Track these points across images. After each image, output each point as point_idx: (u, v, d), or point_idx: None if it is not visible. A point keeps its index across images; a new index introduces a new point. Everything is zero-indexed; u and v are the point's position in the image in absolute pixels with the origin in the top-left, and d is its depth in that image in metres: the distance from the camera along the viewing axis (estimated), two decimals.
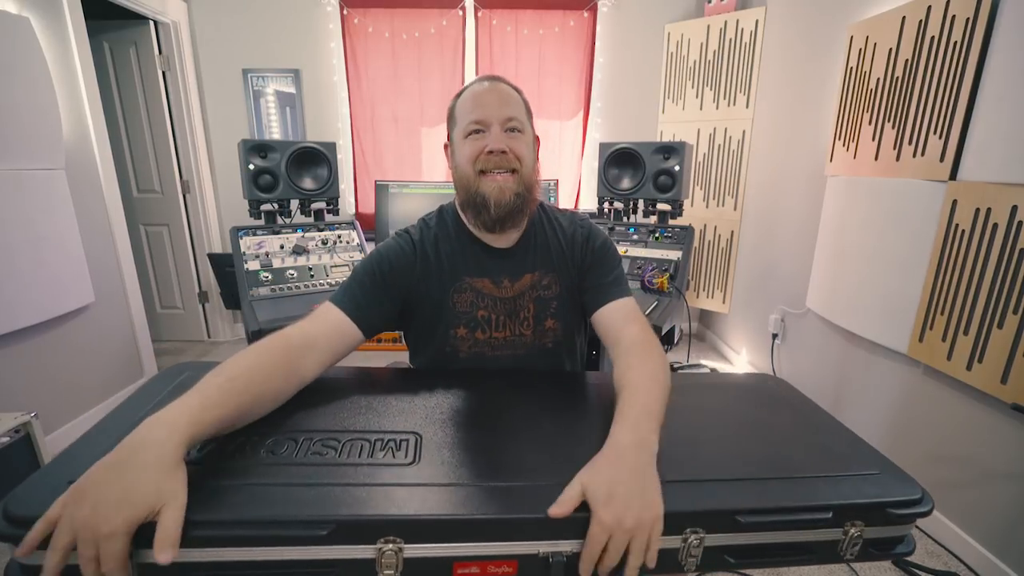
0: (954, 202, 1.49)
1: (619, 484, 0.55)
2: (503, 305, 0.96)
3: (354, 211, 3.27)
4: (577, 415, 0.81)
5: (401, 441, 0.67)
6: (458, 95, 0.96)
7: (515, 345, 0.98)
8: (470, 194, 0.91)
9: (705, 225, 3.07)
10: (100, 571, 0.46)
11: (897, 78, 1.71)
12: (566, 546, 0.55)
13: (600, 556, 0.53)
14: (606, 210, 2.46)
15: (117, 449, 0.51)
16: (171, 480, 0.50)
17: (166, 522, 0.47)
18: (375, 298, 0.90)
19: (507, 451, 0.67)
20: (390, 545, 0.52)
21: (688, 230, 2.15)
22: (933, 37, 1.56)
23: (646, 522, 0.53)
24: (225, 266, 2.90)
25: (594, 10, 3.03)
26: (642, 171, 2.26)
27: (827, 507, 0.59)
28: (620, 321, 0.91)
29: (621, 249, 2.12)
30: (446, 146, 0.99)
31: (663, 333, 1.70)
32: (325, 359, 0.81)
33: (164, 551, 0.46)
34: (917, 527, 0.66)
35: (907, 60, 1.66)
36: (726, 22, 2.76)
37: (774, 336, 2.55)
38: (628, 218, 2.41)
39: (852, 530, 0.59)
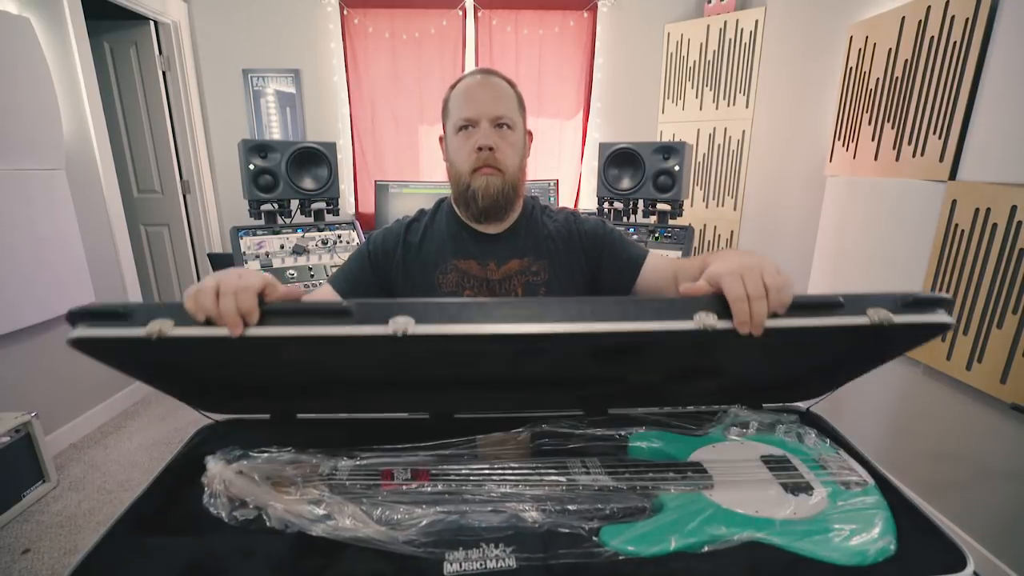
0: (954, 202, 1.49)
1: (739, 254, 0.60)
2: (488, 286, 0.99)
3: (354, 211, 3.27)
4: None
5: None
6: (452, 87, 0.97)
7: None
8: (461, 189, 0.96)
9: (705, 225, 3.07)
10: (238, 312, 0.53)
11: (897, 78, 1.71)
12: None
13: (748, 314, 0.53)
14: (606, 210, 2.46)
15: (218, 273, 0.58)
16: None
17: (276, 284, 0.58)
18: (362, 277, 0.99)
19: None
20: None
21: (688, 230, 2.15)
22: (933, 37, 1.56)
23: (767, 260, 0.56)
24: (225, 266, 2.91)
25: (594, 10, 3.03)
26: (642, 171, 2.26)
27: None
28: (669, 267, 0.95)
29: None
30: (441, 139, 1.02)
31: None
32: None
33: (291, 288, 0.59)
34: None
35: (907, 60, 1.66)
36: (726, 22, 2.76)
37: None
38: (628, 218, 2.41)
39: None
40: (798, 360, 0.78)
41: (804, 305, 0.58)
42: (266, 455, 0.70)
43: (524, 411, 0.87)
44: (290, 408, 0.84)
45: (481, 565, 0.54)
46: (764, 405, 0.90)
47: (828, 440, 0.79)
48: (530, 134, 1.02)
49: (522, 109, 0.98)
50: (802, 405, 0.95)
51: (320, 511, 0.60)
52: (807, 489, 0.66)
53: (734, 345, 0.59)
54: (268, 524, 0.60)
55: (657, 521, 0.60)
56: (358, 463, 0.69)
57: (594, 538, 0.58)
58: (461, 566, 0.54)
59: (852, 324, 0.58)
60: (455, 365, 0.69)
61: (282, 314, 0.56)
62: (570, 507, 0.62)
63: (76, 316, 0.54)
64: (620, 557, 0.56)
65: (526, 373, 0.71)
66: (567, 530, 0.59)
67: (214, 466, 0.66)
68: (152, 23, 2.79)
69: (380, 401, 0.83)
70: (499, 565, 0.54)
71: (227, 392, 0.78)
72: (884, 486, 0.69)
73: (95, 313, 0.54)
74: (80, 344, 0.54)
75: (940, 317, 0.59)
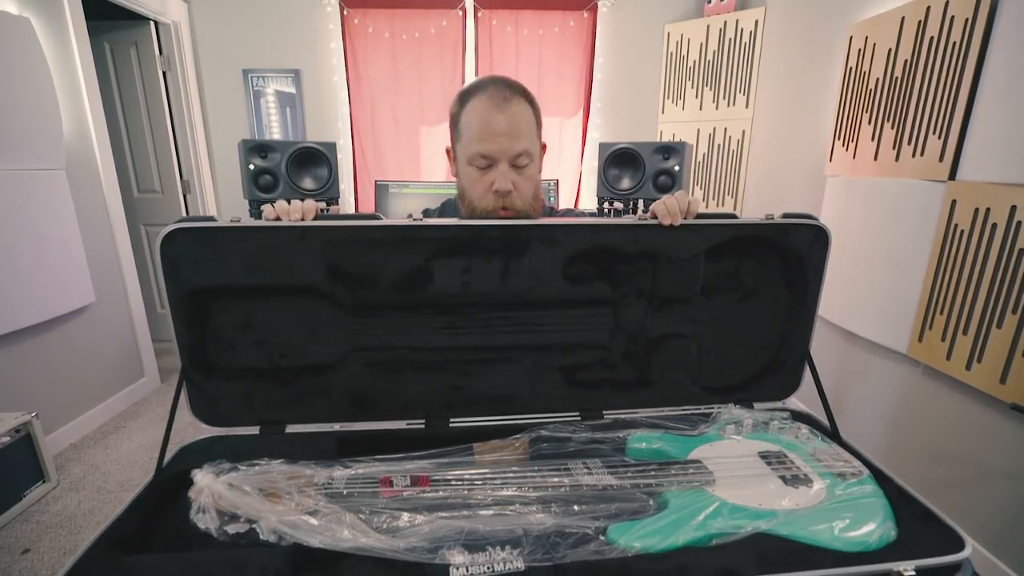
0: (953, 202, 1.49)
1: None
2: None
3: (354, 211, 3.27)
4: None
5: None
6: (463, 99, 0.89)
7: None
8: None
9: None
10: (301, 210, 0.79)
11: (896, 78, 1.71)
12: None
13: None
14: (606, 210, 2.46)
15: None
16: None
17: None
18: None
19: None
20: None
21: None
22: (932, 37, 1.56)
23: (683, 196, 0.83)
24: None
25: (594, 10, 3.03)
26: (642, 171, 2.26)
27: None
28: None
29: None
30: (448, 150, 0.97)
31: None
32: None
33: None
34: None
35: (906, 60, 1.66)
36: (726, 22, 2.76)
37: None
38: None
39: None
40: (738, 304, 0.92)
41: (709, 214, 0.84)
42: (257, 467, 0.67)
43: (522, 415, 0.87)
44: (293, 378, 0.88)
45: (488, 568, 0.53)
46: (755, 405, 0.90)
47: (820, 435, 0.80)
48: (544, 147, 0.98)
49: (539, 127, 0.92)
50: (796, 402, 0.95)
51: (316, 521, 0.57)
52: (806, 481, 0.67)
53: (677, 256, 0.85)
54: (261, 537, 0.57)
55: (664, 518, 0.60)
56: (355, 472, 0.67)
57: (601, 537, 0.58)
58: (468, 571, 0.53)
59: (748, 222, 0.84)
60: (454, 275, 0.82)
61: (330, 217, 0.81)
62: (575, 507, 0.61)
63: (178, 221, 0.76)
64: (629, 554, 0.56)
65: (513, 290, 0.84)
66: (574, 530, 0.58)
67: (202, 479, 0.63)
68: (152, 23, 2.79)
69: (391, 316, 0.87)
70: (507, 568, 0.53)
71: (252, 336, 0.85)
72: (879, 475, 0.70)
73: (192, 218, 0.77)
74: (176, 235, 0.75)
75: (812, 221, 0.84)
